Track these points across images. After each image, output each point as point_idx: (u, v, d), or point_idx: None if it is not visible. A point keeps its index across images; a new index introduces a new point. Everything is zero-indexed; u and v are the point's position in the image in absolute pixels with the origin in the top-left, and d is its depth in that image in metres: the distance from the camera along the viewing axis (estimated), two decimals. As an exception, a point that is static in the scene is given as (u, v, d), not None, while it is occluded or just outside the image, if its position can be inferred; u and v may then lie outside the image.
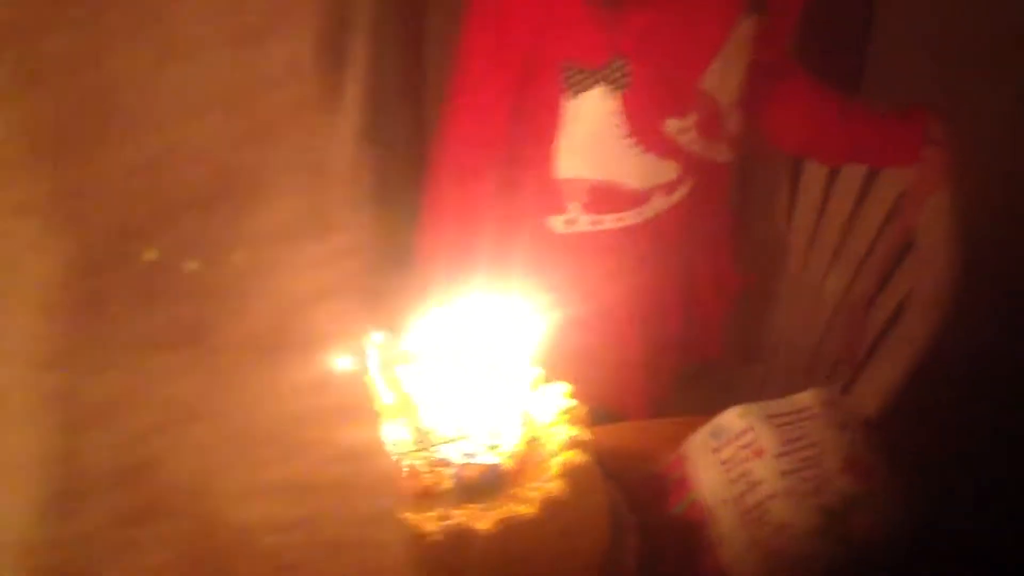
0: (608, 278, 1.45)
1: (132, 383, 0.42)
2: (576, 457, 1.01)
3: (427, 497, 0.98)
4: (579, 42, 1.30)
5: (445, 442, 1.02)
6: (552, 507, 0.97)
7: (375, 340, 1.03)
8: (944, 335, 1.61)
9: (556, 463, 1.01)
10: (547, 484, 0.99)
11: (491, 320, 1.08)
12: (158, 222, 0.40)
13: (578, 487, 1.00)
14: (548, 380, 1.10)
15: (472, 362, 1.08)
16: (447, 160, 1.41)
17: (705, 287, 1.57)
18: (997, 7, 1.70)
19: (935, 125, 1.42)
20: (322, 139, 0.44)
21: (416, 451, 1.00)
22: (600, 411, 1.11)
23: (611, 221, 1.42)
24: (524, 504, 0.97)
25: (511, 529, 0.96)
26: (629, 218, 1.42)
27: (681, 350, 1.56)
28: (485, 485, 1.00)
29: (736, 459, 1.03)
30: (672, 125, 1.36)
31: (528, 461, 1.03)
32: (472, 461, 1.00)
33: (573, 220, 1.41)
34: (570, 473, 1.00)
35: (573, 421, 1.06)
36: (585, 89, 1.32)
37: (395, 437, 1.01)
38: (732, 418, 1.07)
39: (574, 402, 1.08)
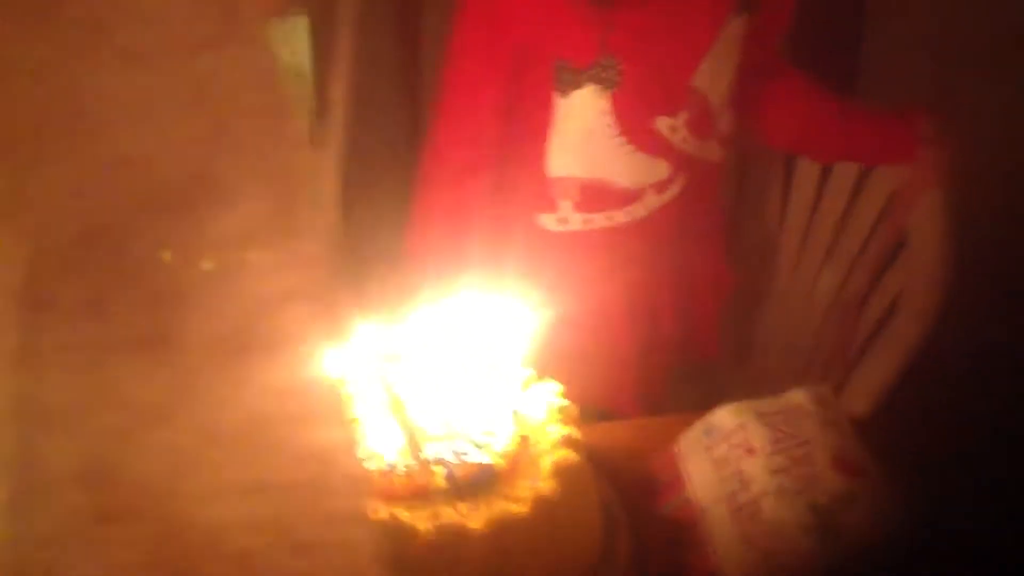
0: (600, 277, 1.45)
1: (95, 385, 0.42)
2: (568, 456, 1.02)
3: (420, 496, 0.98)
4: (569, 41, 1.30)
5: (436, 441, 1.02)
6: (544, 506, 0.98)
7: (364, 335, 1.03)
8: (944, 335, 1.61)
9: (548, 462, 1.01)
10: (539, 483, 0.99)
11: (482, 318, 1.08)
12: (120, 225, 0.40)
13: (570, 486, 1.01)
14: (540, 378, 1.11)
15: (463, 361, 1.08)
16: (438, 158, 1.41)
17: (698, 286, 1.57)
18: (993, 5, 1.70)
19: (928, 124, 1.42)
20: (286, 144, 0.45)
21: (407, 450, 1.00)
22: (592, 409, 1.11)
23: (603, 220, 1.41)
24: (516, 503, 0.98)
25: (503, 528, 0.96)
26: (621, 217, 1.41)
27: (674, 349, 1.56)
28: (477, 484, 1.00)
29: (728, 457, 1.04)
30: (663, 124, 1.36)
31: (520, 460, 1.03)
32: (464, 460, 1.00)
33: (564, 219, 1.41)
34: (562, 472, 1.00)
35: (565, 420, 1.06)
36: (576, 88, 1.32)
37: (385, 435, 1.02)
38: (724, 416, 1.07)
39: (565, 393, 1.08)
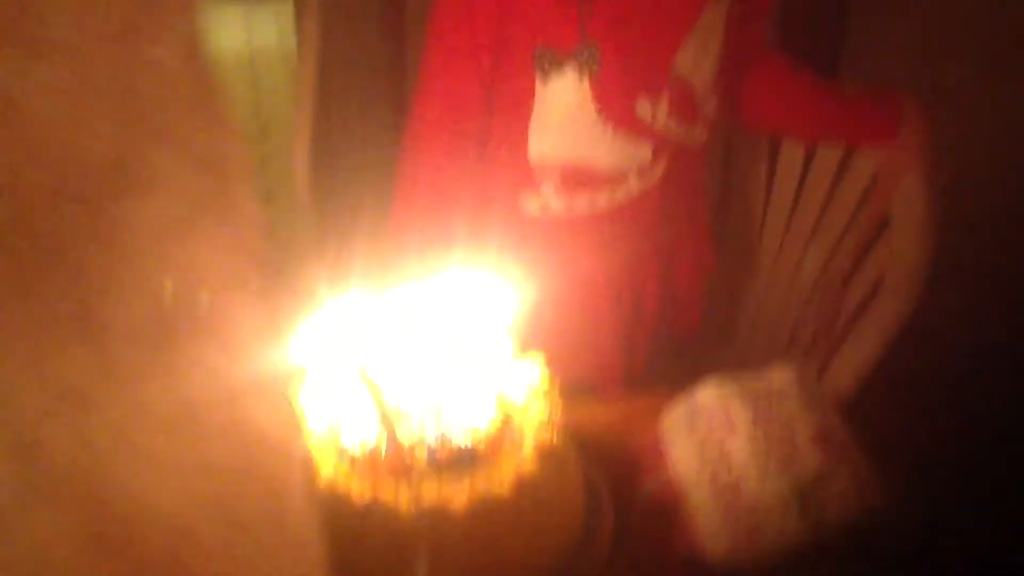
0: (583, 261, 1.46)
1: (18, 366, 0.42)
2: (550, 436, 1.02)
3: (401, 478, 0.99)
4: (549, 27, 1.30)
5: (417, 422, 1.02)
6: (526, 488, 0.98)
7: (343, 312, 1.04)
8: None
9: (531, 443, 1.02)
10: (521, 465, 1.00)
11: (465, 296, 1.08)
12: (43, 212, 0.41)
13: (552, 467, 1.01)
14: (523, 353, 1.11)
15: (446, 339, 1.08)
16: (419, 138, 1.42)
17: (681, 267, 1.58)
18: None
19: (910, 105, 1.43)
20: (215, 130, 0.45)
21: (384, 430, 1.01)
22: (575, 386, 1.11)
23: (585, 204, 1.42)
24: (498, 485, 0.98)
25: (485, 510, 0.97)
26: (603, 200, 1.42)
27: (657, 328, 1.57)
28: (459, 466, 1.00)
29: (710, 437, 1.04)
30: (644, 108, 1.36)
31: (502, 441, 1.03)
32: (446, 442, 1.01)
33: (546, 203, 1.42)
34: (544, 454, 1.01)
35: (548, 399, 1.06)
36: (556, 72, 1.32)
37: (366, 417, 1.02)
38: (706, 395, 1.08)
39: (548, 374, 1.08)
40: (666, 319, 1.58)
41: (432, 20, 1.37)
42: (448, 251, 1.23)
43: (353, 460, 1.01)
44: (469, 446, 1.01)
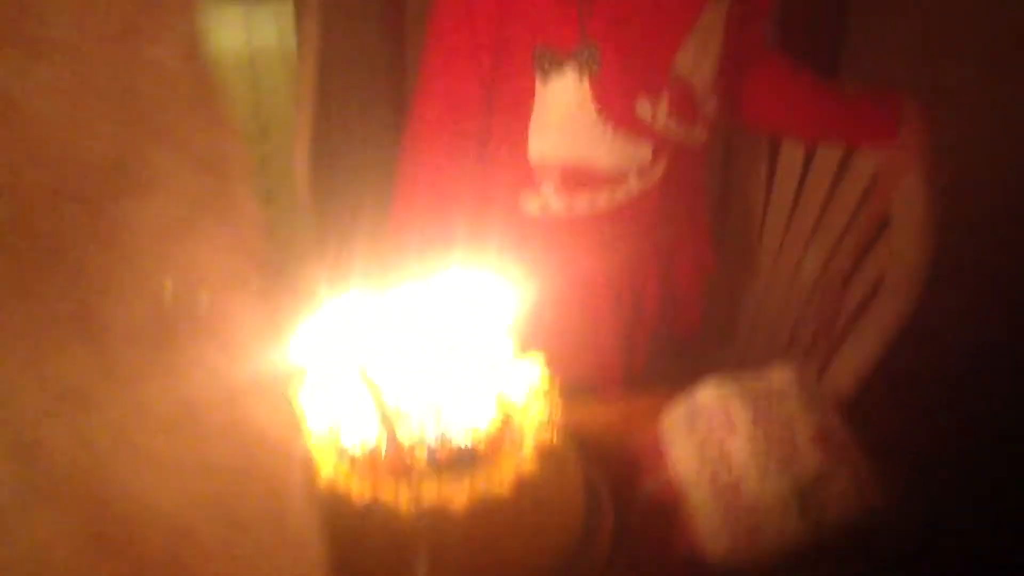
0: (583, 259, 1.46)
1: (18, 366, 0.42)
2: (550, 436, 1.02)
3: (400, 476, 0.99)
4: (549, 27, 1.30)
5: (417, 422, 1.02)
6: (526, 488, 0.98)
7: (344, 311, 1.04)
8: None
9: (530, 442, 1.02)
10: (521, 465, 1.00)
11: (465, 296, 1.08)
12: (42, 212, 0.41)
13: (552, 467, 1.01)
14: (523, 352, 1.10)
15: (446, 339, 1.08)
16: (419, 138, 1.42)
17: (681, 267, 1.58)
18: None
19: (910, 105, 1.43)
20: (215, 130, 0.45)
21: (384, 430, 1.01)
22: (575, 385, 1.11)
23: (585, 204, 1.42)
24: (497, 484, 0.98)
25: (485, 510, 0.97)
26: (603, 200, 1.42)
27: (657, 327, 1.57)
28: (459, 466, 1.00)
29: (710, 437, 1.04)
30: (644, 107, 1.36)
31: (503, 441, 1.03)
32: (445, 440, 1.01)
33: (546, 203, 1.42)
34: (544, 453, 1.01)
35: (547, 399, 1.06)
36: (556, 72, 1.32)
37: (366, 417, 1.02)
38: (706, 395, 1.08)
39: (548, 374, 1.08)
40: (666, 319, 1.58)
41: (432, 20, 1.37)
42: (448, 251, 1.23)
43: (353, 460, 1.01)
44: (469, 446, 1.01)
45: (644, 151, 1.40)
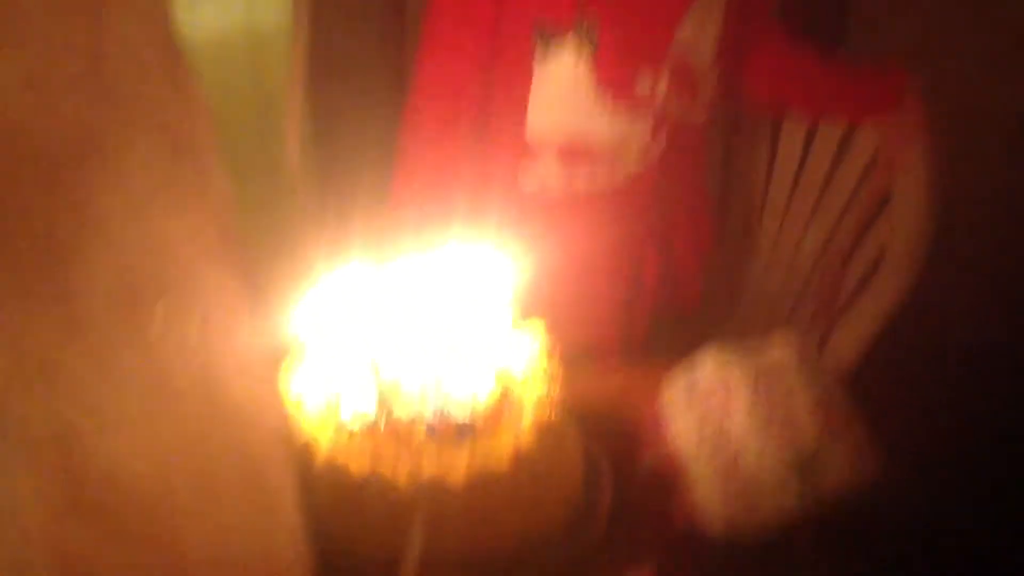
0: (582, 237, 1.45)
1: None
2: (549, 411, 1.02)
3: (399, 450, 0.99)
4: (548, 2, 1.30)
5: (416, 396, 1.02)
6: (524, 463, 0.99)
7: (344, 284, 1.04)
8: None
9: (529, 417, 1.02)
10: (519, 438, 1.00)
11: (463, 271, 1.08)
12: (7, 185, 0.41)
13: (550, 441, 1.02)
14: (523, 321, 1.10)
15: (446, 312, 1.07)
16: (419, 117, 1.42)
17: (681, 245, 1.57)
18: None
19: (911, 80, 1.43)
20: (183, 103, 0.46)
21: (383, 404, 1.01)
22: (574, 355, 1.12)
23: (583, 181, 1.42)
24: (496, 458, 0.98)
25: (483, 484, 0.97)
26: (601, 178, 1.42)
27: (656, 304, 1.57)
28: (457, 440, 1.00)
29: (710, 411, 1.04)
30: (644, 84, 1.36)
31: (502, 414, 1.03)
32: (444, 415, 1.01)
33: (545, 180, 1.42)
34: (542, 427, 1.01)
35: (547, 373, 1.06)
36: (555, 48, 1.32)
37: (365, 391, 1.02)
38: (707, 367, 1.07)
39: (548, 342, 1.08)
40: (665, 296, 1.58)
41: None
42: (447, 227, 1.23)
43: (351, 434, 1.01)
44: (467, 420, 1.01)
45: (643, 127, 1.40)
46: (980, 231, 1.65)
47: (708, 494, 1.02)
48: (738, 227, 1.71)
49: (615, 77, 1.34)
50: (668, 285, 1.57)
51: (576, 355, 1.11)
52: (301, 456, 0.99)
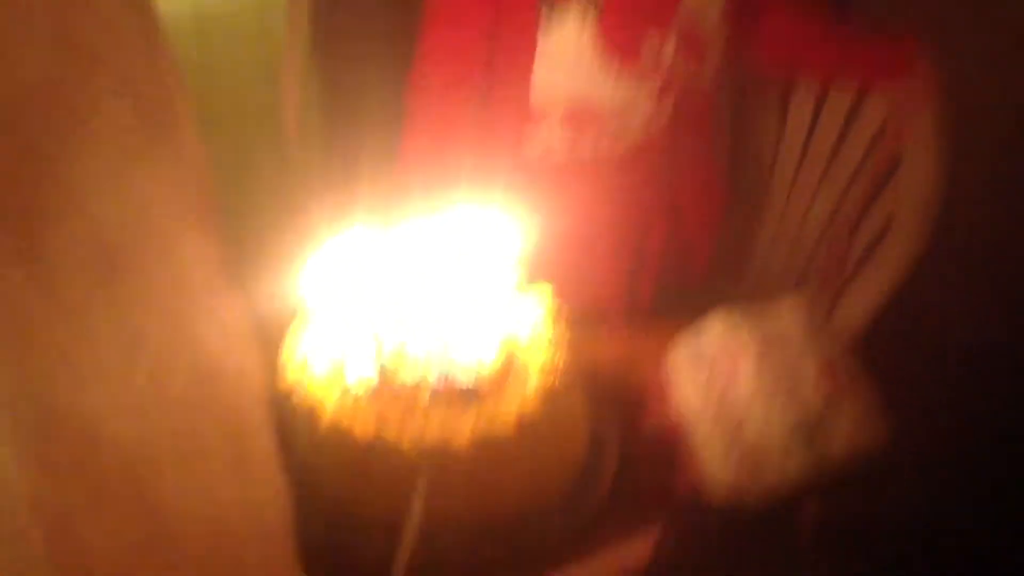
0: (588, 201, 1.44)
1: None
2: (554, 376, 1.03)
3: (403, 414, 1.01)
4: None
5: (421, 360, 1.03)
6: (527, 426, 1.00)
7: (351, 246, 1.05)
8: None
9: (534, 381, 1.03)
10: (523, 403, 1.01)
11: (469, 235, 1.09)
12: None
13: (555, 405, 1.03)
14: (530, 283, 1.11)
15: (452, 276, 1.08)
16: (424, 83, 1.42)
17: (691, 213, 1.55)
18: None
19: (920, 46, 1.41)
20: (156, 66, 0.47)
21: (388, 368, 1.02)
22: (581, 317, 1.12)
23: (589, 147, 1.41)
24: (500, 423, 1.00)
25: (486, 448, 0.99)
26: (607, 144, 1.41)
27: (663, 272, 1.55)
28: (461, 403, 1.02)
29: (716, 374, 1.04)
30: (650, 48, 1.35)
31: (507, 378, 1.04)
32: (449, 379, 1.02)
33: (550, 145, 1.41)
34: (547, 393, 1.02)
35: (553, 338, 1.07)
36: (560, 13, 1.33)
37: (368, 354, 1.03)
38: (713, 330, 1.08)
39: (554, 307, 1.09)
40: (673, 264, 1.56)
41: None
42: (453, 191, 1.24)
43: (356, 398, 1.03)
44: (472, 385, 1.02)
45: (649, 93, 1.39)
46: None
47: (713, 459, 1.03)
48: (746, 195, 1.69)
49: (620, 41, 1.34)
50: (676, 253, 1.55)
51: (581, 320, 1.12)
52: (306, 420, 1.01)
